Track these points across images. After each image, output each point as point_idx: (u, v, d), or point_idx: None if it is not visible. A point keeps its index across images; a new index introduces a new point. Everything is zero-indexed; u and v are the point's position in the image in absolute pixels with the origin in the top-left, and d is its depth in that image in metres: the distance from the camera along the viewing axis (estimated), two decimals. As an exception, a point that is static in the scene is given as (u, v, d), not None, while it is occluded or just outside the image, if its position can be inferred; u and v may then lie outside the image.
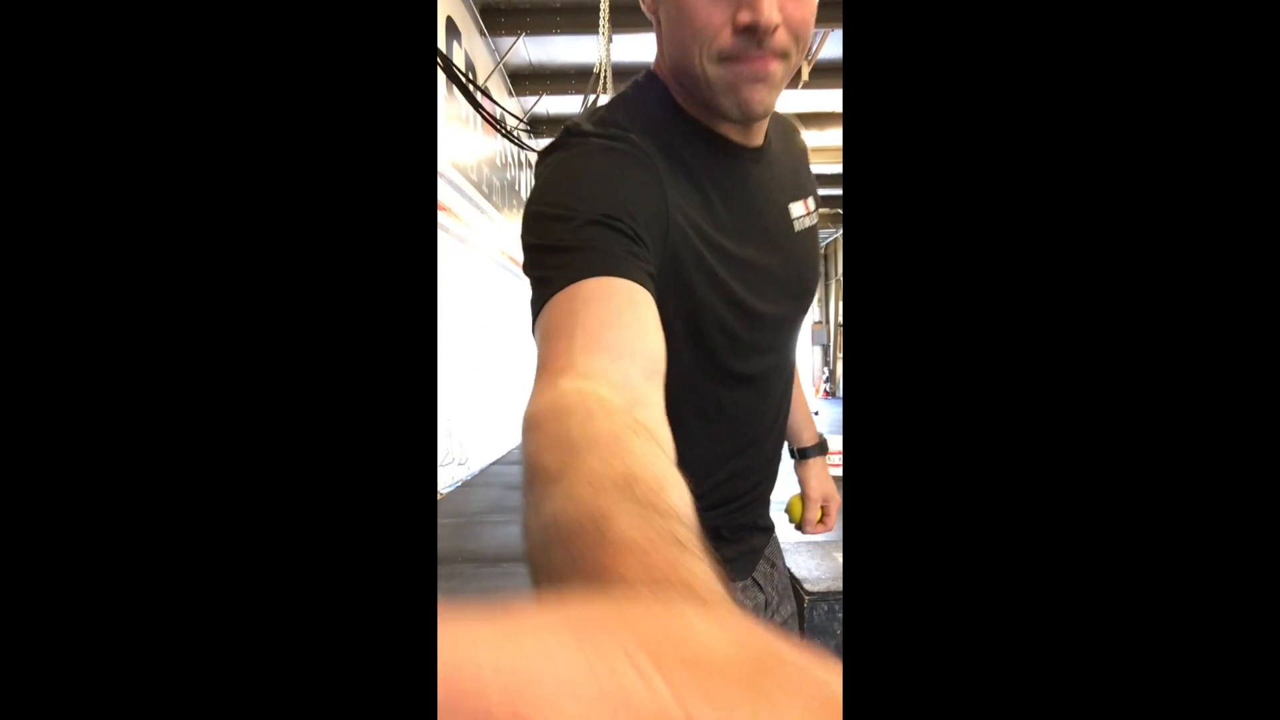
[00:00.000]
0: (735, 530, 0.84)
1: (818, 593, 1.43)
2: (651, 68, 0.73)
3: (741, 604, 0.82)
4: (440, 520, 3.75)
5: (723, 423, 0.78)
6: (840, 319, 17.38)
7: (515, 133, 4.34)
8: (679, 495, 0.35)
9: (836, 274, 17.89)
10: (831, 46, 7.54)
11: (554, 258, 0.56)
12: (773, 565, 0.93)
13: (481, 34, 6.76)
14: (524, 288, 0.61)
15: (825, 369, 17.90)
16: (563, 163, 0.64)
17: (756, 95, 0.64)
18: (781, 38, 0.61)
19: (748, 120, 0.68)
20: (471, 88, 3.57)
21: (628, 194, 0.61)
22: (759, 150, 0.74)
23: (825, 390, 17.38)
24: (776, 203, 0.76)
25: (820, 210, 0.86)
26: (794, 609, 0.99)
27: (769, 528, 0.92)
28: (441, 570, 2.83)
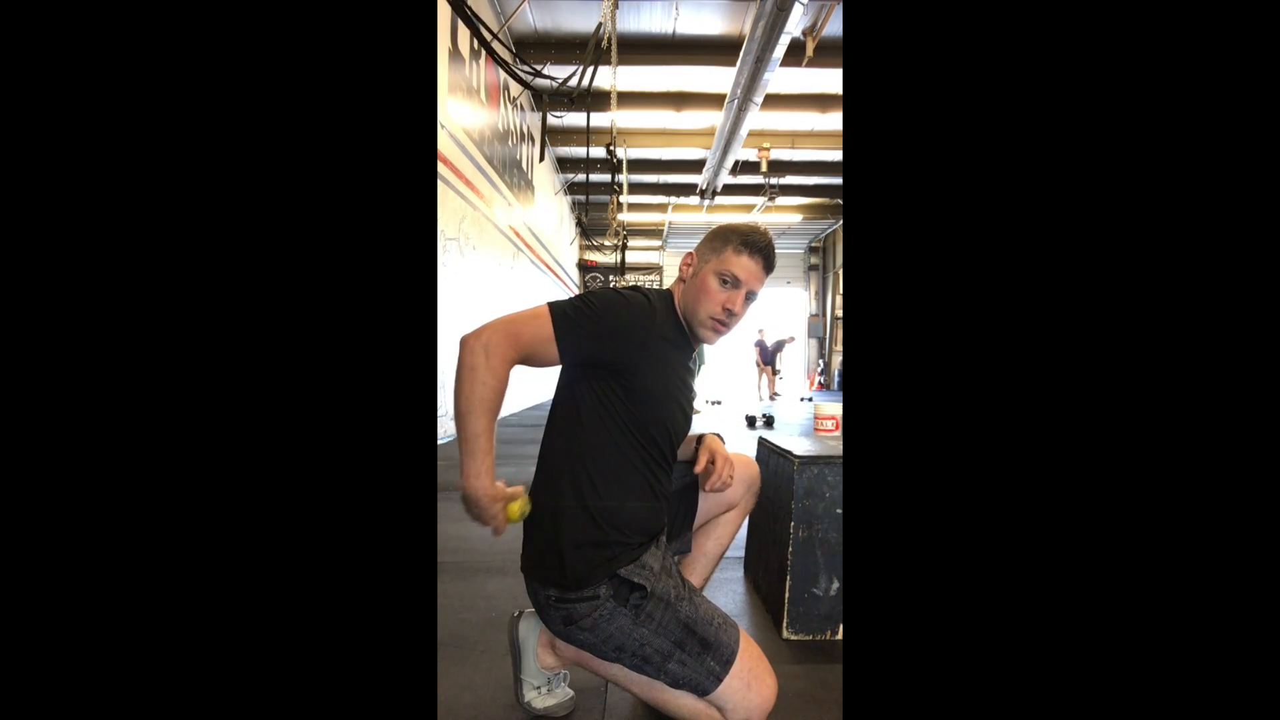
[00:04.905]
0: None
1: (806, 457, 1.68)
2: (671, 289, 1.41)
3: None
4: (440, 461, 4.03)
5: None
6: (836, 311, 17.23)
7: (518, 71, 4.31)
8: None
9: (834, 266, 17.74)
10: (835, 24, 7.43)
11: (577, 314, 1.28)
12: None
13: (487, -4, 6.55)
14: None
15: (820, 361, 17.92)
16: (604, 289, 1.32)
17: (712, 340, 1.36)
18: (735, 321, 1.34)
19: (701, 344, 1.41)
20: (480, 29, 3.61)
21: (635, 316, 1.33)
22: (691, 347, 1.42)
23: (820, 383, 17.39)
24: (684, 363, 1.43)
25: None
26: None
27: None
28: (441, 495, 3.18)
